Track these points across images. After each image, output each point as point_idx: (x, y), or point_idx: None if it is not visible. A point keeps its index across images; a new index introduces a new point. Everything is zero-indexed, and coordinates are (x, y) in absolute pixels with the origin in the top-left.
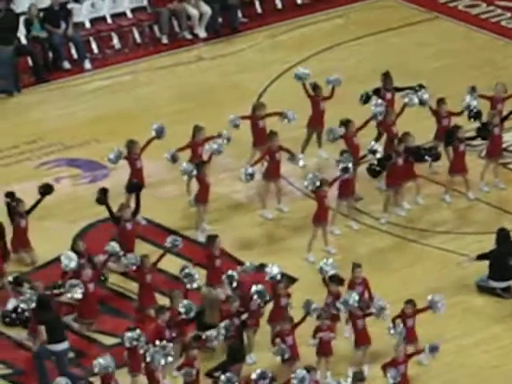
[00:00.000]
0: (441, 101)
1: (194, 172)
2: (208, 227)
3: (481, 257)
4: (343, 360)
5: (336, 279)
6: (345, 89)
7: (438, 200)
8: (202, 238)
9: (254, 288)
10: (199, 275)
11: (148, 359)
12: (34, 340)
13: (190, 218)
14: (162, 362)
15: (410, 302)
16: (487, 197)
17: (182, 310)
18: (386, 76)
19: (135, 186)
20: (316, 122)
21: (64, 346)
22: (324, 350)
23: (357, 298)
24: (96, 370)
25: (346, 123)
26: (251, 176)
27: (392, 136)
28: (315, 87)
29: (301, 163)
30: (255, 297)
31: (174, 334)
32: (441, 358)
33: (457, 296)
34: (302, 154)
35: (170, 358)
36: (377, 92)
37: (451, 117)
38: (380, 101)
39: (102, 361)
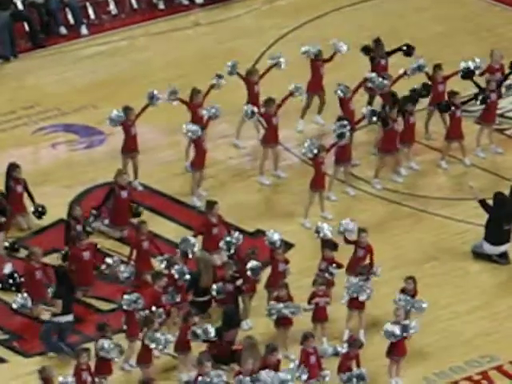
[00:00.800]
0: (437, 67)
1: (200, 132)
2: (204, 193)
3: (483, 203)
4: (340, 326)
5: (330, 244)
6: (342, 54)
7: (434, 166)
8: (198, 203)
9: (248, 265)
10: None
11: (146, 342)
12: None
13: (186, 183)
14: (161, 346)
15: (410, 278)
16: (483, 163)
17: (175, 274)
18: (378, 42)
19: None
20: (316, 86)
21: (69, 318)
22: (319, 315)
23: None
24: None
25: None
26: (252, 114)
27: (388, 102)
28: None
29: (303, 95)
30: (248, 273)
31: (178, 299)
32: (436, 325)
33: (453, 262)
34: (301, 120)
35: (170, 337)
36: (371, 59)
37: (447, 82)
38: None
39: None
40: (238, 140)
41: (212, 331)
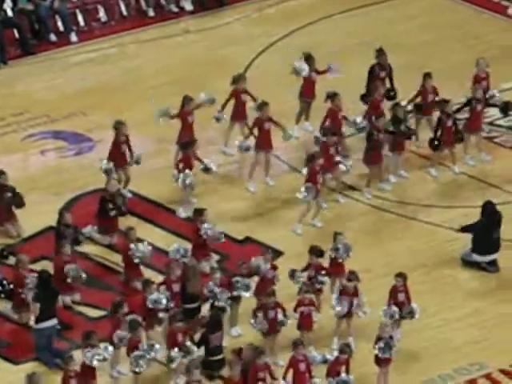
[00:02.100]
0: (427, 75)
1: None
2: (194, 200)
3: (465, 229)
4: (329, 333)
5: (316, 251)
6: (332, 62)
7: (424, 174)
8: (183, 214)
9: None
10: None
11: (132, 366)
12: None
13: (175, 190)
14: (144, 367)
15: (400, 275)
16: (472, 170)
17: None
18: (380, 52)
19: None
20: (308, 93)
21: (51, 322)
22: (305, 324)
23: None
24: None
25: (332, 96)
26: (247, 149)
27: (379, 112)
28: (308, 58)
29: (292, 138)
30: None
31: (171, 305)
32: (425, 332)
33: (442, 270)
34: (296, 126)
35: (154, 354)
36: (371, 69)
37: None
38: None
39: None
40: (227, 147)
41: (193, 347)
